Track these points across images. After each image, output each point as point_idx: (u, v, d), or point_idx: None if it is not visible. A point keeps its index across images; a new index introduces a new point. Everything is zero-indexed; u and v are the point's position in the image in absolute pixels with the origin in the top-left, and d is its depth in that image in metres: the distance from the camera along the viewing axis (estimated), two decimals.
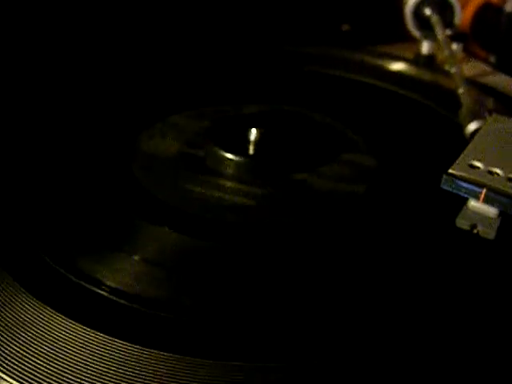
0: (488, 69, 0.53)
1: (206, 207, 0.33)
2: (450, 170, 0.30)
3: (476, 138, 0.33)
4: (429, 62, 0.51)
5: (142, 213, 0.33)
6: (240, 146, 0.36)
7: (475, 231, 0.30)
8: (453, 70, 0.45)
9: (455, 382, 0.25)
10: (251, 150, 0.36)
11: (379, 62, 0.48)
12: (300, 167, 0.36)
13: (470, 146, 0.32)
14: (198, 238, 0.31)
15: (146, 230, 0.32)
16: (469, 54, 0.56)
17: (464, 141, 0.36)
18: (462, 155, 0.31)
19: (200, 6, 0.51)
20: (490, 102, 0.41)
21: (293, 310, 0.28)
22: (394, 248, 0.32)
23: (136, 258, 0.30)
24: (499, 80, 0.50)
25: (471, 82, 0.45)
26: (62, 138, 0.39)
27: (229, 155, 0.35)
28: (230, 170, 0.35)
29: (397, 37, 0.55)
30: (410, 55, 0.52)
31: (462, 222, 0.30)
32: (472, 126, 0.38)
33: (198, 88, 0.45)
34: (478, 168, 0.30)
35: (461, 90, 0.42)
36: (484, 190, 0.29)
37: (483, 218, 0.30)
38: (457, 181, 0.30)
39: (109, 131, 0.40)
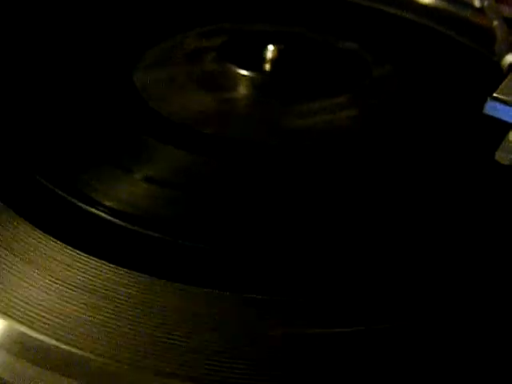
0: None
1: (215, 124, 0.30)
2: (495, 94, 0.27)
3: None
4: None
5: (147, 129, 0.29)
6: (255, 64, 0.32)
7: None
8: (485, 4, 0.42)
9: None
10: (266, 68, 0.33)
11: None
12: (317, 91, 0.32)
13: None
14: (205, 155, 0.28)
15: (151, 146, 0.28)
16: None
17: (497, 76, 0.33)
18: (505, 81, 0.28)
19: None
20: None
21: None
22: (421, 185, 0.28)
23: (138, 176, 0.27)
24: None
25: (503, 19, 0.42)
26: (63, 51, 0.35)
27: (242, 71, 0.32)
28: (242, 87, 0.32)
29: None
30: None
31: (502, 156, 0.27)
32: (509, 58, 0.34)
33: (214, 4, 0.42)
34: None
35: (495, 23, 0.39)
36: None
37: None
38: (501, 105, 0.26)
39: (114, 47, 0.37)
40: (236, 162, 0.28)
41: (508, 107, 0.26)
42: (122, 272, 0.22)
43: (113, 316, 0.21)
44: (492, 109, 0.26)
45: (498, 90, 0.27)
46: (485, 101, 0.28)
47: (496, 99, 0.26)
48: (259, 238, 0.24)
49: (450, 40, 0.41)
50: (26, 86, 0.32)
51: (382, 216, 0.26)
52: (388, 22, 0.42)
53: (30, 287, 0.21)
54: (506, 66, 0.34)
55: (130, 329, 0.20)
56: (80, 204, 0.25)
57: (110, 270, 0.22)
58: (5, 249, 0.22)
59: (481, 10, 0.42)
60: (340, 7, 0.43)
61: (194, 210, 0.26)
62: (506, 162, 0.27)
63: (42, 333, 0.20)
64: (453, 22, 0.43)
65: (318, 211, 0.26)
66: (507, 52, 0.35)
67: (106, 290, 0.21)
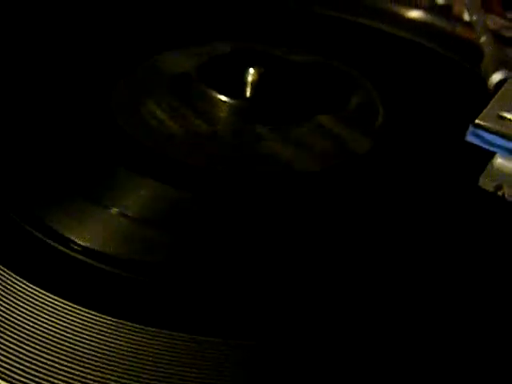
0: (507, 24, 0.49)
1: (194, 155, 0.29)
2: (477, 121, 0.26)
3: (504, 87, 0.29)
4: (445, 11, 0.47)
5: (122, 159, 0.28)
6: (234, 88, 0.32)
7: (500, 193, 0.27)
8: (473, 19, 0.41)
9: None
10: (247, 93, 0.32)
11: (394, 8, 0.44)
12: (299, 114, 0.32)
13: (498, 95, 0.29)
14: (186, 189, 0.27)
15: (127, 178, 0.27)
16: (486, 9, 0.52)
17: (485, 94, 0.33)
18: (489, 105, 0.27)
19: None
20: None
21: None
22: (402, 216, 0.27)
23: (114, 211, 0.26)
24: None
25: (493, 34, 0.41)
26: (33, 73, 0.35)
27: (222, 97, 0.31)
28: (222, 114, 0.31)
29: None
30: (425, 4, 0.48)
31: (485, 182, 0.27)
32: (497, 76, 0.33)
33: (191, 25, 0.41)
34: (508, 120, 0.27)
35: (483, 39, 0.38)
36: None
37: (511, 177, 0.26)
38: (484, 132, 0.26)
39: (89, 69, 0.35)
40: (221, 197, 0.27)
41: (491, 134, 0.26)
42: (98, 317, 0.21)
43: (88, 361, 0.20)
44: (474, 136, 0.26)
45: (480, 117, 0.26)
46: (472, 120, 0.27)
47: (478, 126, 0.26)
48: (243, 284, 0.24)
49: (437, 55, 0.41)
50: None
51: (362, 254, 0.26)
52: (374, 38, 0.41)
53: None
54: (493, 84, 0.34)
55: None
56: (49, 241, 0.24)
57: (81, 314, 0.21)
58: None
59: (470, 25, 0.42)
60: (323, 23, 0.43)
61: (172, 249, 0.25)
62: (490, 189, 0.27)
63: None
64: (441, 36, 0.42)
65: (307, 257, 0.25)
66: (494, 70, 0.34)
67: (81, 336, 0.21)
